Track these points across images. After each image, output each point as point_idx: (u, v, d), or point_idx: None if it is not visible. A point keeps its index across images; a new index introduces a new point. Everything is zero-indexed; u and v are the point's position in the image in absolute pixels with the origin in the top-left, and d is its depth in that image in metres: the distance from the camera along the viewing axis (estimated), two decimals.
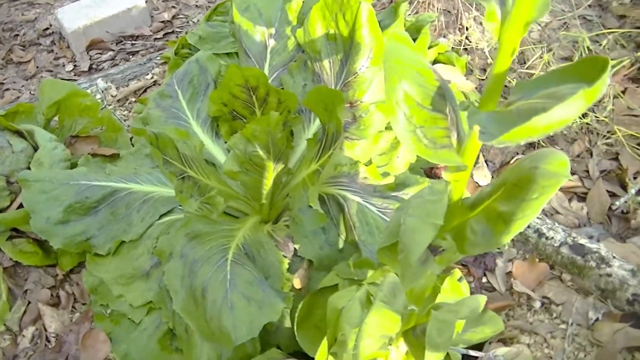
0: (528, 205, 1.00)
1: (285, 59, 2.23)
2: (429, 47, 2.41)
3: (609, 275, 1.92)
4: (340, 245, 1.84)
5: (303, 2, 2.28)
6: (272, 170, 1.84)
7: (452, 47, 2.79)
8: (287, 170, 1.93)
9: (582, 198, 2.31)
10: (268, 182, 1.89)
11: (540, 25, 3.08)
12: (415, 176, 1.94)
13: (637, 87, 2.74)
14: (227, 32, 2.59)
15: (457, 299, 1.33)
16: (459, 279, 1.53)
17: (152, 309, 1.89)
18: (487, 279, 2.00)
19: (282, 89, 2.04)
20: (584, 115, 2.52)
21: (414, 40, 2.18)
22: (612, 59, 2.75)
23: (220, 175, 1.96)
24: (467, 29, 2.92)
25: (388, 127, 1.95)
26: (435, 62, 2.45)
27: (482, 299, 1.29)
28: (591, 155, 2.42)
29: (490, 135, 0.86)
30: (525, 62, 2.77)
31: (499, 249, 2.08)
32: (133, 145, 2.37)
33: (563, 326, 1.89)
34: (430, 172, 2.21)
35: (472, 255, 1.98)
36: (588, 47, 2.64)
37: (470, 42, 2.83)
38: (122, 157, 2.28)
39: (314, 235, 1.84)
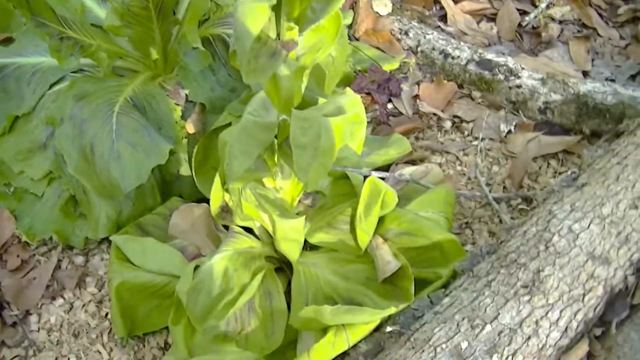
0: None
1: None
2: None
3: (519, 86, 1.89)
4: (232, 85, 1.77)
5: None
6: (155, 21, 1.75)
7: None
8: (175, 20, 1.83)
9: (492, 19, 2.26)
10: (155, 35, 1.80)
11: None
12: None
13: None
14: None
15: (353, 120, 1.26)
16: None
17: (53, 179, 1.83)
18: (394, 105, 1.95)
19: None
20: None
21: None
22: None
23: (109, 35, 1.87)
24: None
25: None
26: None
27: (355, 97, 1.22)
28: None
29: None
30: None
31: (404, 74, 2.02)
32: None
33: (475, 142, 1.85)
34: None
35: (375, 83, 1.91)
36: None
37: None
38: (15, 38, 2.18)
39: (203, 77, 1.77)
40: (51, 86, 1.91)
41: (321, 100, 1.28)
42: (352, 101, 1.21)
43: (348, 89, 1.39)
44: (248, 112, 1.22)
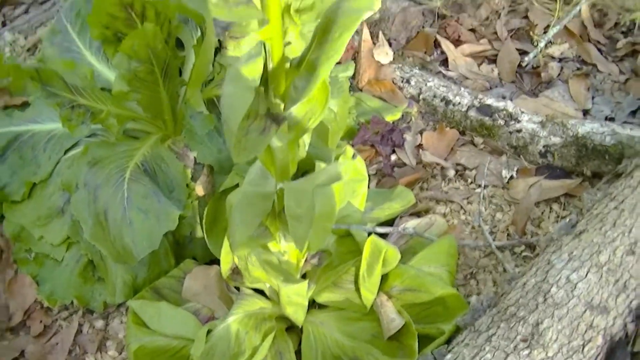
0: (331, 46, 0.96)
1: None
2: None
3: (519, 130, 1.90)
4: None
5: None
6: (162, 84, 1.79)
7: None
8: (181, 81, 1.88)
9: (492, 60, 2.27)
10: (163, 97, 1.84)
11: None
12: None
13: None
14: None
15: (354, 178, 1.30)
16: (353, 157, 1.48)
17: (71, 244, 1.87)
18: (397, 155, 1.97)
19: None
20: None
21: None
22: None
23: (118, 99, 1.92)
24: None
25: None
26: None
27: (351, 162, 1.25)
28: (499, 16, 2.37)
29: None
30: None
31: (406, 123, 2.04)
32: None
33: (478, 190, 1.86)
34: None
35: (379, 135, 1.94)
36: None
37: None
38: (31, 103, 2.24)
39: (209, 139, 1.81)
40: (66, 152, 1.95)
41: (320, 165, 1.32)
42: (348, 167, 1.24)
43: (348, 148, 1.42)
44: (247, 182, 1.26)
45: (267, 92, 1.09)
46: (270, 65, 1.05)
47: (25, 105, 2.25)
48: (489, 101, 1.98)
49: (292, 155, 1.20)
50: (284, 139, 1.14)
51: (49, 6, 3.08)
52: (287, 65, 1.08)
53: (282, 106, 1.08)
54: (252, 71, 1.03)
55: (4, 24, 3.25)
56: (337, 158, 1.38)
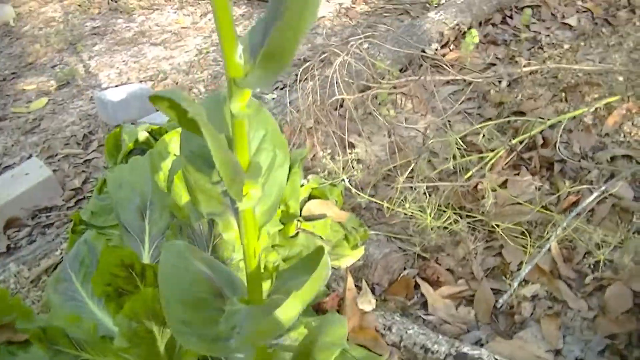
0: None
1: (162, 227, 2.33)
2: (301, 185, 2.52)
3: None
4: None
5: (169, 170, 2.38)
6: (160, 339, 1.92)
7: (343, 173, 2.86)
8: None
9: (470, 301, 2.39)
10: (160, 351, 1.96)
11: (419, 130, 3.22)
12: None
13: (517, 173, 2.86)
14: None
15: None
16: None
17: None
18: None
19: None
20: (468, 215, 2.63)
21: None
22: (490, 150, 2.88)
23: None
24: (352, 150, 3.03)
25: None
26: (310, 197, 2.56)
27: None
28: (475, 255, 2.52)
29: (242, 336, 0.96)
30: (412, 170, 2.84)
31: None
32: None
33: None
34: (318, 306, 2.28)
35: None
36: (459, 147, 2.76)
37: (353, 165, 2.91)
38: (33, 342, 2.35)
39: None
40: None
41: None
42: None
43: None
44: None
45: None
46: None
47: (27, 343, 2.36)
48: (465, 349, 2.08)
49: None
50: None
51: (52, 237, 3.23)
52: None
53: None
54: None
55: (8, 248, 3.41)
56: None
